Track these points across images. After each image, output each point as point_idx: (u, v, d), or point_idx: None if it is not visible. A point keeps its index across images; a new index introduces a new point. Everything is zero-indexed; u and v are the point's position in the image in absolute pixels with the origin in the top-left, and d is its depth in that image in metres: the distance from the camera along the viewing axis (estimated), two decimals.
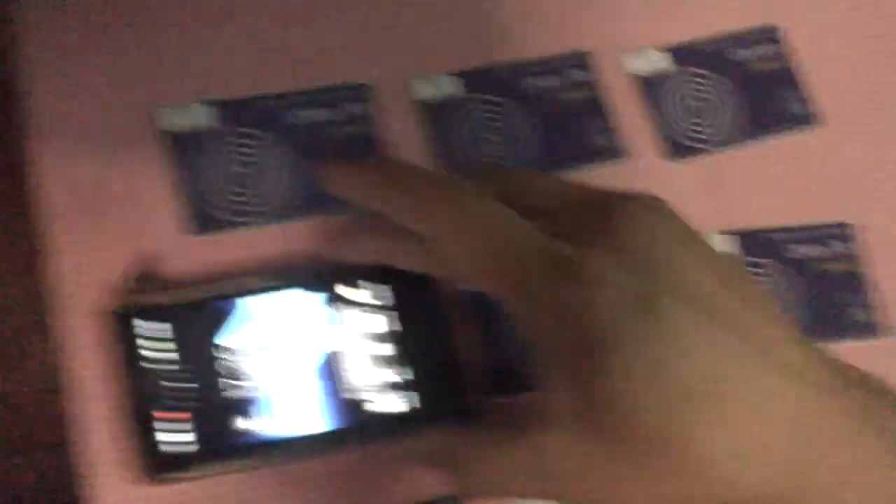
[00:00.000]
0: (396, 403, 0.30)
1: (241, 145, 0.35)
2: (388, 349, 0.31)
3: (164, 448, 0.28)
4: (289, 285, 0.31)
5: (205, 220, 0.34)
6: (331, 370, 0.30)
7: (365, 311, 0.31)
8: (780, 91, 0.41)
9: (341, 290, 0.31)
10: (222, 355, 0.29)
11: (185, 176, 0.34)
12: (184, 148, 0.34)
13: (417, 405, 0.31)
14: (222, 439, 0.29)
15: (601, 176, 0.38)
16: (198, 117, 0.35)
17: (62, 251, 0.32)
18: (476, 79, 0.38)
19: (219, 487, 0.31)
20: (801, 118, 0.41)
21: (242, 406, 0.29)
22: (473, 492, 0.30)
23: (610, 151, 0.39)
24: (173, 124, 0.35)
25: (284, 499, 0.32)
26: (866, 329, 0.39)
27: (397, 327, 0.31)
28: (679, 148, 0.40)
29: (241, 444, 0.29)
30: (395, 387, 0.31)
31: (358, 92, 0.37)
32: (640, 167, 0.39)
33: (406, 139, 0.37)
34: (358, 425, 0.30)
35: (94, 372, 0.31)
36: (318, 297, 0.31)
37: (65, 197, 0.33)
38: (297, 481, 0.32)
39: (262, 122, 0.35)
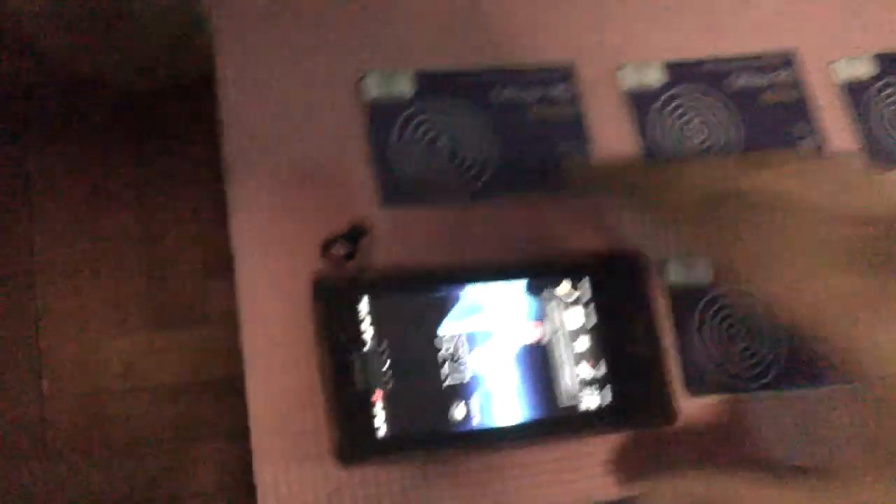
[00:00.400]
0: (594, 399, 0.30)
1: (439, 118, 0.35)
2: (586, 343, 0.31)
3: (379, 432, 0.28)
4: (498, 278, 0.31)
5: (398, 193, 0.33)
6: (532, 363, 0.30)
7: (566, 305, 0.31)
8: None
9: (546, 283, 0.31)
10: (436, 341, 0.29)
11: (382, 146, 0.34)
12: (382, 117, 0.34)
13: (615, 402, 0.30)
14: (434, 425, 0.29)
15: None
16: (400, 86, 0.35)
17: (259, 218, 0.32)
18: (680, 70, 0.38)
19: (406, 474, 0.31)
20: None
21: (452, 393, 0.29)
22: None
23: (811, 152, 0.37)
24: (375, 93, 0.35)
25: (470, 488, 0.31)
26: None
27: (595, 320, 0.31)
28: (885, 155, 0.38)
29: (453, 432, 0.29)
30: (593, 382, 0.30)
31: (564, 73, 0.37)
32: None
33: (611, 122, 0.37)
34: (554, 418, 0.30)
35: (287, 349, 0.31)
36: (523, 291, 0.31)
37: (264, 166, 0.33)
38: (484, 470, 0.31)
39: (462, 95, 0.35)
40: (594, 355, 0.30)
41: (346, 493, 0.30)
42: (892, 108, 0.39)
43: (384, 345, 0.29)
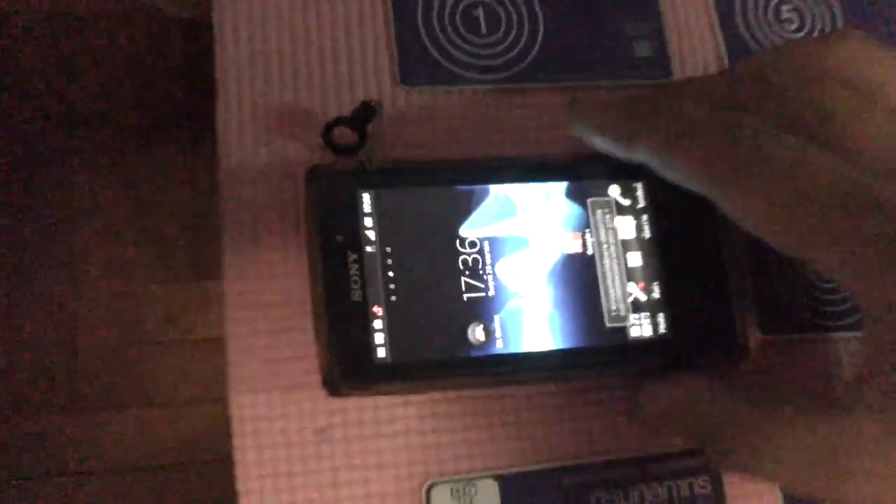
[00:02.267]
0: (646, 328, 0.25)
1: None
2: (637, 260, 0.25)
3: (380, 354, 0.23)
4: (535, 177, 0.25)
5: (419, 70, 0.28)
6: (572, 279, 0.25)
7: (614, 211, 0.25)
8: None
9: (593, 187, 0.25)
10: (455, 246, 0.24)
11: (404, 24, 0.28)
12: None
13: (669, 332, 0.25)
14: (447, 348, 0.23)
15: None
16: None
17: (250, 103, 0.27)
18: None
19: (410, 406, 0.25)
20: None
21: (472, 310, 0.24)
22: (730, 468, 0.23)
23: None
24: None
25: (487, 429, 0.26)
26: None
27: (649, 234, 0.25)
28: None
29: (471, 357, 0.23)
30: (644, 308, 0.25)
31: None
32: None
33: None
34: (597, 348, 0.24)
35: (273, 259, 0.25)
36: (564, 194, 0.25)
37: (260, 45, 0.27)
38: (507, 408, 0.26)
39: None
40: (647, 276, 0.25)
41: (338, 429, 0.25)
42: None
43: (389, 248, 0.23)
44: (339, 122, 0.25)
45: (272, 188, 0.26)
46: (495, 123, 0.28)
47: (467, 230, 0.24)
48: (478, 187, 0.25)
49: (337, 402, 0.25)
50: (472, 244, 0.24)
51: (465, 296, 0.24)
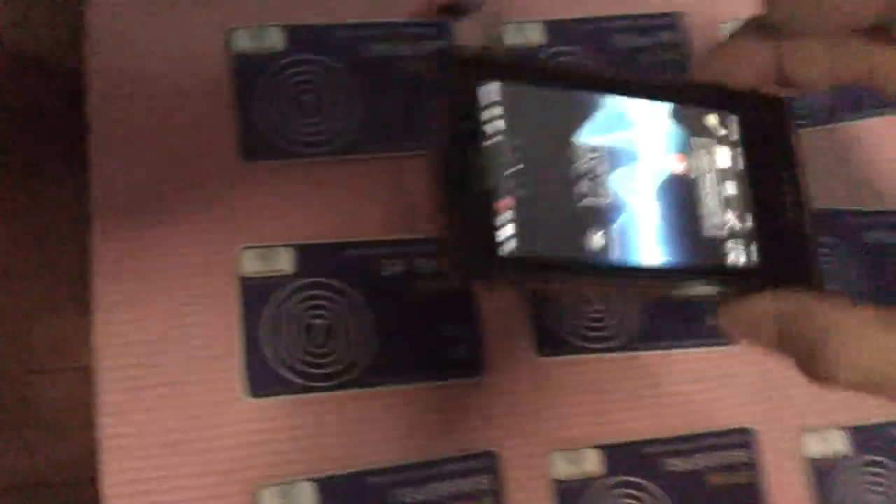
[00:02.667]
0: (741, 255, 0.26)
1: (310, 72, 0.35)
2: (733, 188, 0.26)
3: (507, 247, 0.22)
4: (648, 94, 0.26)
5: (258, 148, 0.33)
6: (675, 199, 0.26)
7: (714, 141, 0.27)
8: None
9: (695, 113, 0.27)
10: (574, 151, 0.24)
11: (249, 100, 0.34)
12: (253, 70, 0.34)
13: (759, 260, 0.26)
14: (568, 251, 0.24)
15: None
16: (271, 40, 0.35)
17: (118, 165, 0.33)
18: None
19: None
20: None
21: (590, 216, 0.24)
22: (842, 376, 0.23)
23: None
24: (246, 47, 0.35)
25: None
26: None
27: (742, 167, 0.27)
28: None
29: (590, 262, 0.24)
30: (740, 235, 0.26)
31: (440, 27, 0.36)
32: None
33: None
34: (696, 267, 0.26)
35: None
36: (672, 115, 0.26)
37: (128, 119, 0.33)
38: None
39: (334, 50, 0.35)
40: (742, 205, 0.26)
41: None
42: None
43: (513, 142, 0.23)
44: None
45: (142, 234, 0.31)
46: None
47: (585, 136, 0.24)
48: (596, 95, 0.25)
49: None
50: (591, 150, 0.24)
51: (584, 201, 0.24)
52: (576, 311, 0.34)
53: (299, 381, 0.32)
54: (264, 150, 0.33)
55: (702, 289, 0.26)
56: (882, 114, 0.39)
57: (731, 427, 0.34)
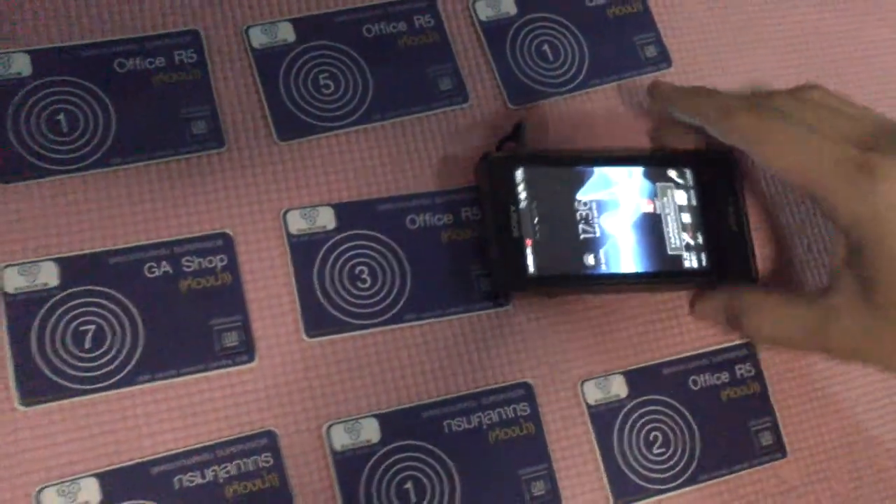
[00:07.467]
0: (692, 260, 0.38)
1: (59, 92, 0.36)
2: (687, 218, 0.38)
3: (531, 270, 0.36)
4: (625, 163, 0.38)
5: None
6: (647, 228, 0.38)
7: (673, 187, 0.38)
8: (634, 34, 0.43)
9: (659, 170, 0.38)
10: (575, 205, 0.37)
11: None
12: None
13: (708, 264, 0.38)
14: (571, 268, 0.36)
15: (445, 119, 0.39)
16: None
17: None
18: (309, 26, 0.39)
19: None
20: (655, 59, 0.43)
21: (586, 245, 0.37)
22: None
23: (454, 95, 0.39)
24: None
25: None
26: None
27: (695, 202, 0.39)
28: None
29: (586, 274, 0.36)
30: (693, 248, 0.38)
31: (190, 37, 0.38)
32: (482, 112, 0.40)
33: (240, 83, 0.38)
34: (663, 272, 0.38)
35: None
36: (643, 174, 0.38)
37: None
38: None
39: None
40: (694, 227, 0.38)
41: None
42: (533, 46, 0.41)
43: (534, 204, 0.36)
44: (505, 139, 0.38)
45: None
46: None
47: (582, 195, 0.37)
48: (588, 168, 0.37)
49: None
50: (585, 204, 0.37)
51: (582, 236, 0.37)
52: (344, 289, 0.36)
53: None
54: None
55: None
56: None
57: (512, 382, 0.36)
